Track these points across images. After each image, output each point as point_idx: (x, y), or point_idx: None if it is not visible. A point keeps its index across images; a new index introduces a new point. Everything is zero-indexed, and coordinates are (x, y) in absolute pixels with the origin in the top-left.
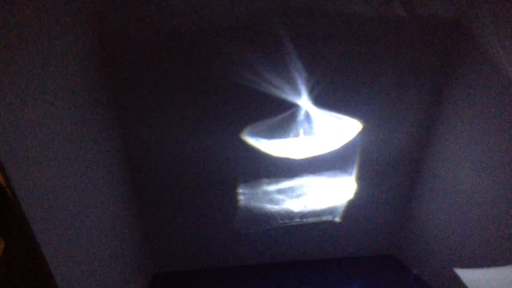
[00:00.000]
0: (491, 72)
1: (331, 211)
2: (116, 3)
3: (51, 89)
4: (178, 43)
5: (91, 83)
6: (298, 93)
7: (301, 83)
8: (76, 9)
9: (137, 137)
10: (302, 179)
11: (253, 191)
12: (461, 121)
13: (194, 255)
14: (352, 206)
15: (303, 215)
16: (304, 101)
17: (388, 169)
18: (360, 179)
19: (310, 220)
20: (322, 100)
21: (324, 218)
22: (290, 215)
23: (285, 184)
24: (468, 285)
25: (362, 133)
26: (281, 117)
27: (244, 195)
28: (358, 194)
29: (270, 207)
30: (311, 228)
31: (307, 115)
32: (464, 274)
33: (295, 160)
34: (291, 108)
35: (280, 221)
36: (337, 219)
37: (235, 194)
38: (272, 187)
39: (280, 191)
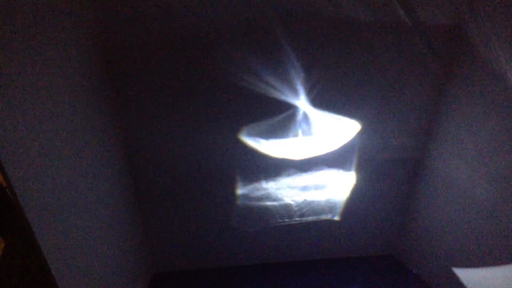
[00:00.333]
0: (491, 72)
1: (330, 210)
2: (117, 5)
3: (52, 90)
4: (179, 44)
5: (92, 84)
6: (296, 94)
7: (300, 84)
8: (77, 10)
9: (137, 137)
10: (302, 179)
11: (252, 191)
12: (461, 121)
13: (194, 255)
14: (352, 206)
15: (302, 213)
16: (302, 102)
17: (388, 169)
18: (360, 179)
19: (310, 218)
20: (320, 101)
21: (324, 216)
22: (289, 213)
23: (284, 183)
24: (467, 285)
25: (361, 133)
26: (280, 118)
27: (243, 195)
28: (358, 194)
29: (270, 206)
30: (311, 228)
31: (306, 116)
32: (464, 274)
33: (294, 160)
34: (290, 109)
35: (279, 220)
36: (337, 218)
37: (235, 194)
38: (271, 187)
39: (279, 191)
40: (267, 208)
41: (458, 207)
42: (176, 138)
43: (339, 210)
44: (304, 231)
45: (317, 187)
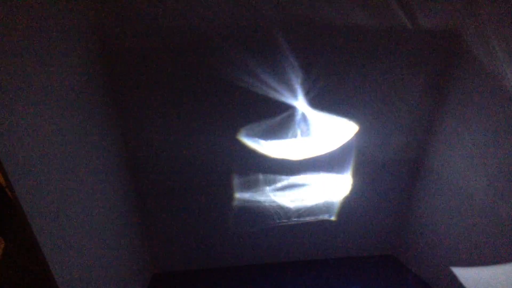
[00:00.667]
0: (489, 73)
1: (328, 210)
2: (118, 5)
3: (52, 90)
4: (179, 45)
5: (92, 84)
6: (295, 95)
7: (298, 85)
8: (78, 11)
9: (137, 138)
10: (301, 179)
11: (251, 192)
12: (461, 121)
13: (194, 255)
14: (352, 206)
15: (300, 214)
16: (301, 103)
17: (387, 169)
18: (360, 179)
19: (308, 219)
20: (319, 101)
21: (321, 217)
22: (288, 214)
23: (284, 184)
24: (467, 285)
25: (360, 133)
26: (279, 119)
27: (243, 196)
28: (357, 194)
29: (269, 206)
30: (311, 228)
31: (304, 117)
32: (464, 274)
33: (293, 161)
34: (289, 110)
35: (278, 220)
36: (333, 218)
37: (234, 195)
38: (270, 187)
39: (278, 191)
40: (265, 209)
41: (457, 207)
42: (175, 138)
43: (336, 210)
44: (304, 231)
45: (316, 188)
